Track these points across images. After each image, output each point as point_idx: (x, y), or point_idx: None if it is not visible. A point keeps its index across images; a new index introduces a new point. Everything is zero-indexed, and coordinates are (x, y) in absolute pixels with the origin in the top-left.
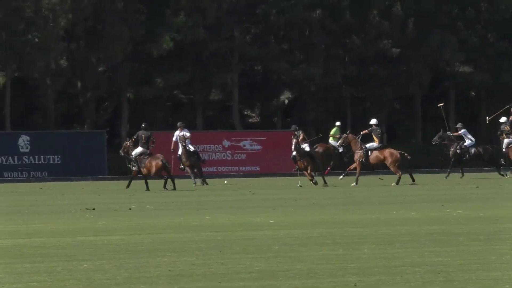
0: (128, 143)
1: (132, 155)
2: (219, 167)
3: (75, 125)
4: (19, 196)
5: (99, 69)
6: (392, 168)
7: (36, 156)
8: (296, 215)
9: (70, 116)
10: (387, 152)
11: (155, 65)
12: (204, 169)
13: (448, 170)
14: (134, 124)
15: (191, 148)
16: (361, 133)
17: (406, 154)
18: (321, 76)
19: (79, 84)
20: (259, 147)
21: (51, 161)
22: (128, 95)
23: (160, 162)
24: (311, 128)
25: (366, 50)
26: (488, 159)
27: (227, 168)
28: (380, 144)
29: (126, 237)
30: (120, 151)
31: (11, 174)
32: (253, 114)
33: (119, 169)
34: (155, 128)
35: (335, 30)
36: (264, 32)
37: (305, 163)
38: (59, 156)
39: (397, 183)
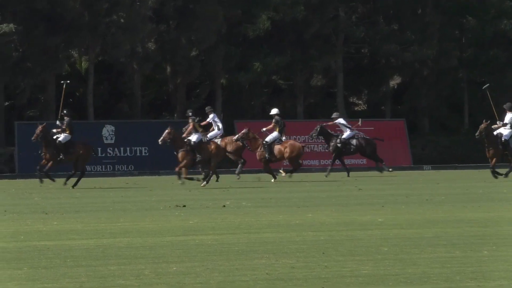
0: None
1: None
2: (321, 160)
3: (164, 114)
4: (103, 192)
5: (191, 52)
6: (290, 162)
7: (122, 148)
8: (407, 213)
9: (158, 104)
10: (289, 144)
11: (251, 47)
12: (306, 161)
13: (329, 168)
14: (228, 113)
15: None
16: (263, 129)
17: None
18: (434, 58)
19: (168, 69)
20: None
21: (138, 154)
22: (222, 81)
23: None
24: (423, 116)
25: (484, 30)
26: (370, 153)
27: (330, 161)
28: (279, 135)
29: (219, 237)
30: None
31: (94, 168)
32: (359, 102)
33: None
34: (250, 117)
35: (451, 8)
36: (372, 11)
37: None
38: (146, 148)
39: (289, 173)
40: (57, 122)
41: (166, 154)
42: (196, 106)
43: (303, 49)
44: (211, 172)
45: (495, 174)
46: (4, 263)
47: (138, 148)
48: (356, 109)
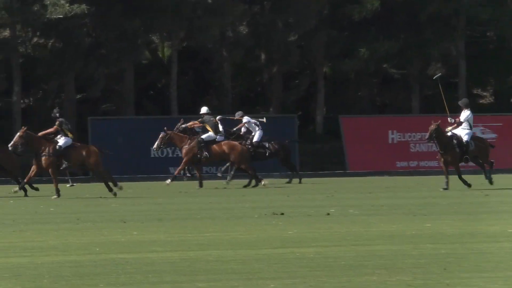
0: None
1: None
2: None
3: (258, 108)
4: (190, 197)
5: (288, 37)
6: (240, 166)
7: None
8: None
9: (251, 96)
10: (227, 145)
11: (357, 31)
12: (423, 163)
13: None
14: (332, 106)
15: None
16: (185, 125)
17: (248, 146)
18: None
19: (262, 56)
20: (493, 135)
21: None
22: (324, 69)
23: None
24: None
25: None
26: (283, 158)
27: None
28: (215, 136)
29: (323, 249)
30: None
31: None
32: (484, 93)
33: (312, 163)
34: (357, 111)
35: None
36: None
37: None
38: None
39: (249, 184)
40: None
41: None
42: (294, 99)
43: (417, 32)
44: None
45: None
46: (77, 278)
47: None
48: (481, 102)
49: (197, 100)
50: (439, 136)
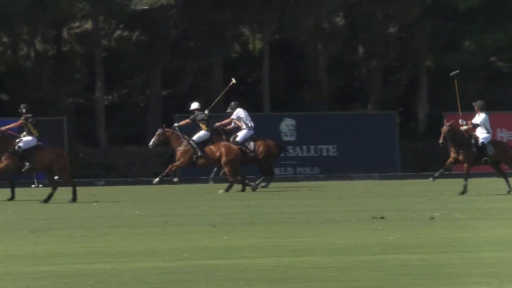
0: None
1: None
2: None
3: (356, 105)
4: (281, 200)
5: (388, 29)
6: (226, 169)
7: (304, 147)
8: None
9: (348, 92)
10: (222, 146)
11: (462, 22)
12: None
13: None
14: (435, 102)
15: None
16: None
17: (248, 150)
18: None
19: (360, 50)
20: None
21: (324, 153)
22: (427, 63)
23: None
24: None
25: None
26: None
27: None
28: (207, 133)
29: (427, 256)
30: None
31: None
32: None
33: (413, 163)
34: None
35: None
36: None
37: None
38: (335, 146)
39: (227, 190)
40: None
41: (358, 154)
42: (394, 94)
43: None
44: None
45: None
46: (164, 285)
47: (324, 147)
48: None
49: (290, 96)
50: (455, 136)
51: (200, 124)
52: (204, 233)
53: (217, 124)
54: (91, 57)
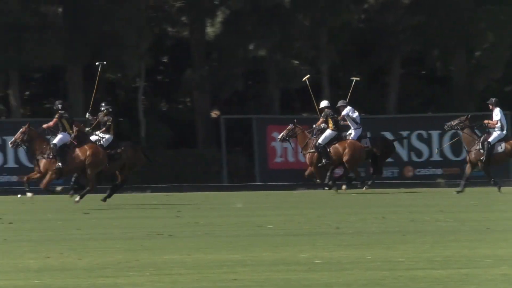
0: None
1: None
2: None
3: None
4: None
5: None
6: (347, 165)
7: None
8: None
9: None
10: (348, 144)
11: None
12: None
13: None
14: None
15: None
16: (314, 126)
17: (374, 149)
18: None
19: None
20: None
21: None
22: None
23: None
24: None
25: None
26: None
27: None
28: (334, 133)
29: None
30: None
31: None
32: None
33: None
34: None
35: None
36: None
37: None
38: None
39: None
40: (88, 115)
41: None
42: None
43: None
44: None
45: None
46: None
47: None
48: None
49: None
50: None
51: (329, 121)
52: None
53: (314, 125)
54: None
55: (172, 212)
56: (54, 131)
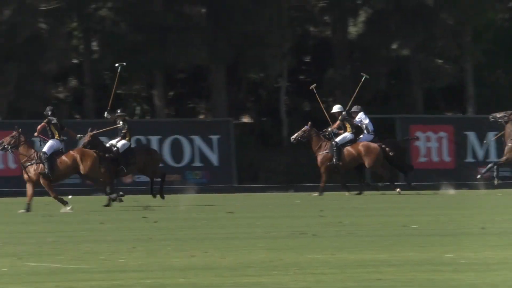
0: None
1: None
2: None
3: None
4: None
5: None
6: (375, 169)
7: None
8: None
9: None
10: (362, 146)
11: None
12: None
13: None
14: None
15: None
16: (330, 128)
17: (387, 148)
18: None
19: None
20: None
21: None
22: None
23: None
24: None
25: None
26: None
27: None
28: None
29: None
30: None
31: None
32: None
33: None
34: None
35: None
36: None
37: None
38: None
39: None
40: (106, 114)
41: None
42: None
43: None
44: None
45: None
46: None
47: None
48: None
49: None
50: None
51: (346, 124)
52: None
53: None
54: None
55: (315, 211)
56: (43, 138)
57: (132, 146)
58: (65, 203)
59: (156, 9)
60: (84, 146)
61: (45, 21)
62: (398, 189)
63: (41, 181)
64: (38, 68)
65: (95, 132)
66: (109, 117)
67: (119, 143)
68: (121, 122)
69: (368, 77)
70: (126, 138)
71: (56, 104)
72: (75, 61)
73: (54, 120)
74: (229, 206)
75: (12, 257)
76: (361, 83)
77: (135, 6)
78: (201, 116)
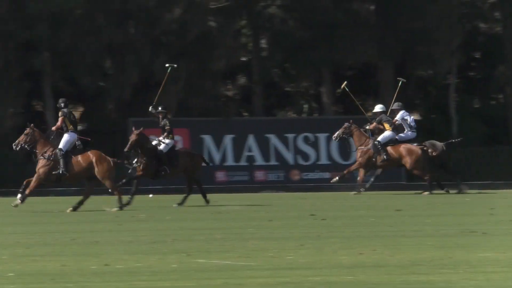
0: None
1: None
2: None
3: None
4: None
5: None
6: (414, 172)
7: None
8: None
9: None
10: (403, 148)
11: None
12: None
13: None
14: None
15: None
16: (368, 127)
17: (430, 150)
18: None
19: None
20: None
21: None
22: None
23: None
24: None
25: None
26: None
27: None
28: (394, 134)
29: None
30: None
31: None
32: None
33: None
34: None
35: None
36: None
37: None
38: None
39: (430, 191)
40: (151, 109)
41: None
42: None
43: None
44: None
45: None
46: None
47: None
48: None
49: None
50: None
51: (385, 124)
52: None
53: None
54: None
55: (486, 209)
56: (57, 135)
57: (176, 148)
58: (18, 202)
59: (324, 6)
60: (132, 144)
61: (214, 19)
62: (445, 189)
63: (35, 176)
64: (208, 66)
65: (141, 130)
66: (153, 111)
67: (164, 142)
68: (165, 119)
69: (404, 80)
70: (170, 136)
71: (225, 101)
72: (243, 58)
73: (68, 112)
74: (397, 204)
75: (181, 254)
76: (398, 87)
77: (304, 3)
78: (369, 114)
